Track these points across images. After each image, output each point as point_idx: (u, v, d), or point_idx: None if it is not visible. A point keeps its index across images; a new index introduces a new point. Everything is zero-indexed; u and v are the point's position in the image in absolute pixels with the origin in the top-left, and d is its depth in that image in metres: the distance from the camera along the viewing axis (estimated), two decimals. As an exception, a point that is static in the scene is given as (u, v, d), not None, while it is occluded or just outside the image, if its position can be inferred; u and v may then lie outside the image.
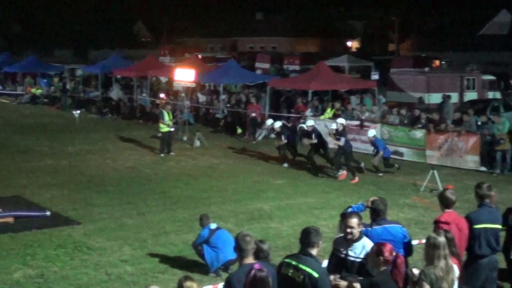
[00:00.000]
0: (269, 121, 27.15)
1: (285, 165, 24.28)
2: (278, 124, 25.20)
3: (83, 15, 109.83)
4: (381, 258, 8.16)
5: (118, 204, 18.61)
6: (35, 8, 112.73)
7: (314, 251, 7.94)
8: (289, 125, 28.87)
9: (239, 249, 7.94)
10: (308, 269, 7.76)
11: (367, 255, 8.62)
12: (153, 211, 17.89)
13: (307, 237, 7.97)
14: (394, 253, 8.40)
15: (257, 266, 7.27)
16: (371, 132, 23.89)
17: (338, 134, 22.81)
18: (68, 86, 45.73)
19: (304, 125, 24.89)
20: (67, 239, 15.28)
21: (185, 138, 29.26)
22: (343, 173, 22.32)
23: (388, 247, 8.25)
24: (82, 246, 14.73)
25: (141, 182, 21.50)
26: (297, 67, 53.79)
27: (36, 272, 13.14)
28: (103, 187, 20.60)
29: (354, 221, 8.89)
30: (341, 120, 23.51)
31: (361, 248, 8.86)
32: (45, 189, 20.21)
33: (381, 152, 23.07)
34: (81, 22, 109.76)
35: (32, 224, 16.41)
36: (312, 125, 24.08)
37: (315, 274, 7.73)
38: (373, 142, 23.35)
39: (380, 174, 22.74)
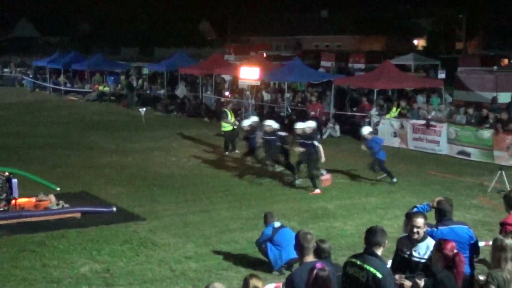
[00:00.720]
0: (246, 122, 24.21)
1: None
2: (247, 122, 23.71)
3: (150, 14, 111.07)
4: (441, 253, 8.05)
5: (182, 201, 18.77)
6: (103, 7, 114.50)
7: (379, 251, 7.85)
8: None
9: (300, 247, 7.92)
10: (372, 269, 7.67)
11: (431, 255, 8.51)
12: (217, 208, 17.98)
13: (372, 237, 7.87)
14: (455, 251, 8.25)
15: (319, 265, 7.23)
16: (366, 129, 21.79)
17: (308, 138, 20.34)
18: (134, 84, 46.29)
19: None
20: (133, 235, 15.47)
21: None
22: (325, 177, 20.39)
23: (449, 244, 8.13)
24: (147, 242, 14.89)
25: (205, 179, 21.62)
26: (362, 66, 53.34)
27: (102, 267, 13.34)
28: (168, 184, 20.79)
29: (420, 221, 8.79)
30: (310, 123, 21.08)
31: (425, 249, 8.75)
32: (111, 186, 20.51)
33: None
34: (147, 21, 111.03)
35: (98, 219, 16.68)
36: (251, 124, 23.10)
37: (379, 275, 7.63)
38: (369, 141, 21.29)
39: (394, 180, 20.85)
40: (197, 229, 15.98)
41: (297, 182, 20.80)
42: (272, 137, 21.38)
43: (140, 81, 47.46)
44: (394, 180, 20.87)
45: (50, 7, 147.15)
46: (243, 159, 24.14)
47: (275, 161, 21.98)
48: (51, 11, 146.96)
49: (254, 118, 23.98)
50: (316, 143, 20.17)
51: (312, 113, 30.77)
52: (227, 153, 26.00)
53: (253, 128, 23.21)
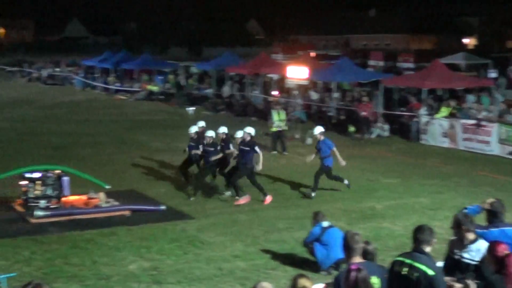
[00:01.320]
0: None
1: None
2: (193, 129, 20.60)
3: (198, 14, 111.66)
4: (492, 256, 7.94)
5: (230, 200, 18.80)
6: (151, 7, 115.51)
7: (428, 249, 7.79)
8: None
9: (348, 248, 7.89)
10: (423, 267, 7.61)
11: (483, 258, 8.40)
12: (265, 207, 18.00)
13: (421, 234, 7.83)
14: (506, 253, 8.12)
15: (354, 266, 7.20)
16: (318, 129, 19.99)
17: (246, 144, 18.82)
18: (182, 83, 46.56)
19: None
20: (181, 233, 15.57)
21: (297, 136, 29.27)
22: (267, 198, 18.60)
23: (501, 246, 8.02)
24: (195, 241, 14.98)
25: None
26: (411, 65, 52.82)
27: (151, 265, 13.45)
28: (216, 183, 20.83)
29: None
30: (249, 129, 19.31)
31: (476, 251, 8.64)
32: (159, 184, 20.68)
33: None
34: (195, 21, 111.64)
35: (147, 217, 16.84)
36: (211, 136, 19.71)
37: (431, 272, 7.57)
38: (320, 141, 19.64)
39: (313, 194, 19.22)
40: (245, 228, 16.01)
41: (226, 194, 19.19)
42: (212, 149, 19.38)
43: (190, 81, 47.66)
44: (346, 182, 19.67)
45: (100, 7, 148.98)
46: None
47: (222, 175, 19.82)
48: (101, 12, 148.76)
49: (201, 124, 20.93)
50: (257, 149, 18.65)
51: (363, 113, 30.61)
52: (274, 152, 25.96)
53: (200, 136, 20.27)
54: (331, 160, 19.61)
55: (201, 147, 19.77)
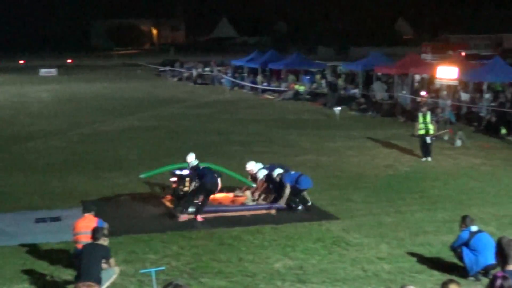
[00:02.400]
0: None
1: None
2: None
3: (346, 14, 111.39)
4: None
5: (376, 201, 18.66)
6: (300, 7, 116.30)
7: None
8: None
9: (502, 254, 7.59)
10: None
11: None
12: (412, 210, 17.72)
13: None
14: None
15: (500, 273, 6.94)
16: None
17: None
18: (335, 83, 46.54)
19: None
20: (326, 234, 15.59)
21: (446, 137, 28.60)
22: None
23: None
24: (340, 241, 14.95)
25: (400, 180, 21.36)
26: None
27: (296, 264, 13.54)
28: (362, 184, 20.74)
29: None
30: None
31: None
32: (305, 183, 20.74)
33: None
34: (344, 21, 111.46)
35: (293, 217, 16.99)
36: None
37: None
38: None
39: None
40: (391, 230, 15.83)
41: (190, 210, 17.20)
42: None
43: (339, 81, 47.54)
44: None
45: (249, 8, 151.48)
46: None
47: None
48: (250, 12, 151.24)
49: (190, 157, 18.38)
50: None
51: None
52: (424, 159, 24.99)
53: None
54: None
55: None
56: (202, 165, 17.76)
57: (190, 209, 16.93)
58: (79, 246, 12.30)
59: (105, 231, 12.23)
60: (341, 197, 19.12)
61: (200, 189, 17.02)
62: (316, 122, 35.53)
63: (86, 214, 13.18)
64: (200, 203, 16.98)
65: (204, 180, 16.97)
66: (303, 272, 13.10)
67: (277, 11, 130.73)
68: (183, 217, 16.78)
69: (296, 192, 17.84)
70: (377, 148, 27.23)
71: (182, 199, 17.46)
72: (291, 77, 50.72)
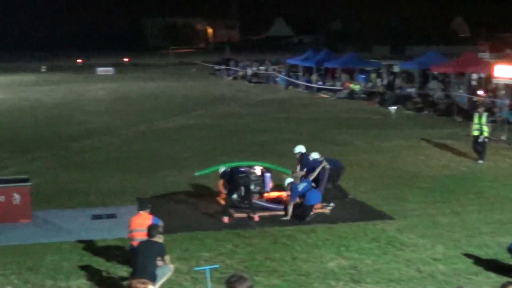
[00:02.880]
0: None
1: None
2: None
3: (402, 12, 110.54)
4: None
5: (431, 201, 18.46)
6: (356, 5, 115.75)
7: None
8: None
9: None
10: None
11: None
12: (468, 210, 17.48)
13: None
14: None
15: None
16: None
17: None
18: (385, 82, 46.21)
19: None
20: (381, 234, 15.48)
21: (503, 138, 28.13)
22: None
23: None
24: (394, 242, 14.83)
25: (455, 180, 21.09)
26: None
27: (350, 263, 13.47)
28: (416, 184, 20.54)
29: None
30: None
31: None
32: (359, 183, 20.63)
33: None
34: (399, 19, 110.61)
35: (347, 216, 16.91)
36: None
37: None
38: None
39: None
40: (447, 231, 15.64)
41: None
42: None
43: (401, 81, 47.12)
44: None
45: (304, 7, 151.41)
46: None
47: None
48: (306, 11, 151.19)
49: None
50: None
51: None
52: (480, 161, 24.58)
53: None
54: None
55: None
56: (226, 166, 17.93)
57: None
58: (134, 243, 12.42)
59: (160, 229, 12.33)
60: (395, 197, 18.96)
61: (234, 187, 17.23)
62: (371, 121, 35.30)
63: (142, 212, 13.30)
64: (248, 202, 17.13)
65: (234, 178, 17.18)
66: (357, 272, 13.03)
67: (332, 9, 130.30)
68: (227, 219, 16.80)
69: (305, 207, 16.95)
70: (433, 148, 26.93)
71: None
72: (345, 76, 50.48)
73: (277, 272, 13.05)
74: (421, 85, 43.11)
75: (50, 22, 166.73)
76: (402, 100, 41.58)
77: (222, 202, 17.99)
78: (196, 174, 19.40)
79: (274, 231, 15.76)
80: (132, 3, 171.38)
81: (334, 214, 17.16)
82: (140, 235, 12.44)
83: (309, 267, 13.28)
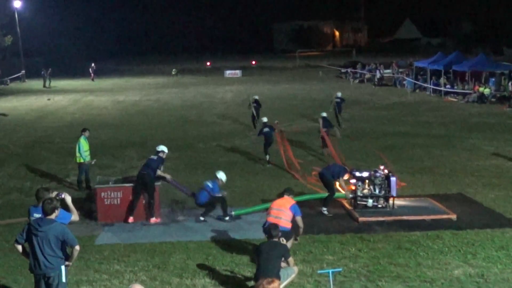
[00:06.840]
0: None
1: None
2: None
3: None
4: None
5: None
6: (489, 6, 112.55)
7: None
8: None
9: None
10: None
11: None
12: None
13: None
14: None
15: None
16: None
17: None
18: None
19: None
20: (510, 242, 15.01)
21: None
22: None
23: None
24: (524, 250, 14.36)
25: None
26: None
27: (476, 272, 13.14)
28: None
29: None
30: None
31: None
32: (488, 189, 20.10)
33: None
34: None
35: (474, 223, 16.51)
36: None
37: None
38: None
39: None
40: None
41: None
42: None
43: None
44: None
45: (433, 8, 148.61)
46: None
47: None
48: (435, 13, 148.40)
49: None
50: None
51: None
52: None
53: None
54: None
55: None
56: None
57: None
58: (270, 219, 13.59)
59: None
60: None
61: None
62: (502, 125, 34.20)
63: (286, 196, 14.36)
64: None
65: None
66: (484, 280, 12.69)
67: (463, 10, 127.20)
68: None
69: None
70: None
71: (359, 202, 17.52)
72: (476, 79, 49.13)
73: (400, 277, 12.90)
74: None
75: (181, 27, 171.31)
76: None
77: (347, 205, 17.98)
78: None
79: (399, 236, 15.59)
80: (259, 7, 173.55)
81: (461, 220, 16.79)
82: (276, 213, 13.68)
83: (433, 274, 13.05)
